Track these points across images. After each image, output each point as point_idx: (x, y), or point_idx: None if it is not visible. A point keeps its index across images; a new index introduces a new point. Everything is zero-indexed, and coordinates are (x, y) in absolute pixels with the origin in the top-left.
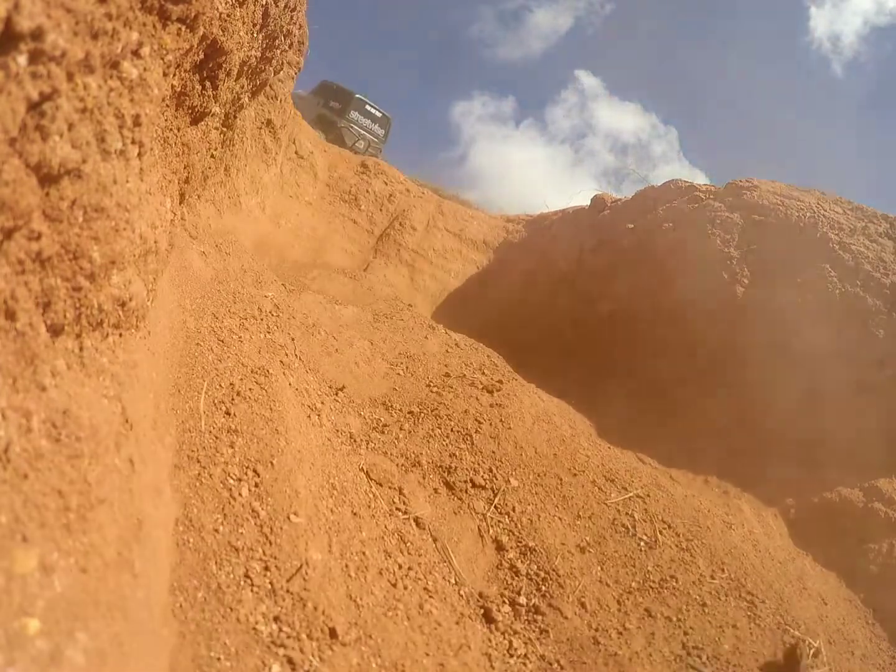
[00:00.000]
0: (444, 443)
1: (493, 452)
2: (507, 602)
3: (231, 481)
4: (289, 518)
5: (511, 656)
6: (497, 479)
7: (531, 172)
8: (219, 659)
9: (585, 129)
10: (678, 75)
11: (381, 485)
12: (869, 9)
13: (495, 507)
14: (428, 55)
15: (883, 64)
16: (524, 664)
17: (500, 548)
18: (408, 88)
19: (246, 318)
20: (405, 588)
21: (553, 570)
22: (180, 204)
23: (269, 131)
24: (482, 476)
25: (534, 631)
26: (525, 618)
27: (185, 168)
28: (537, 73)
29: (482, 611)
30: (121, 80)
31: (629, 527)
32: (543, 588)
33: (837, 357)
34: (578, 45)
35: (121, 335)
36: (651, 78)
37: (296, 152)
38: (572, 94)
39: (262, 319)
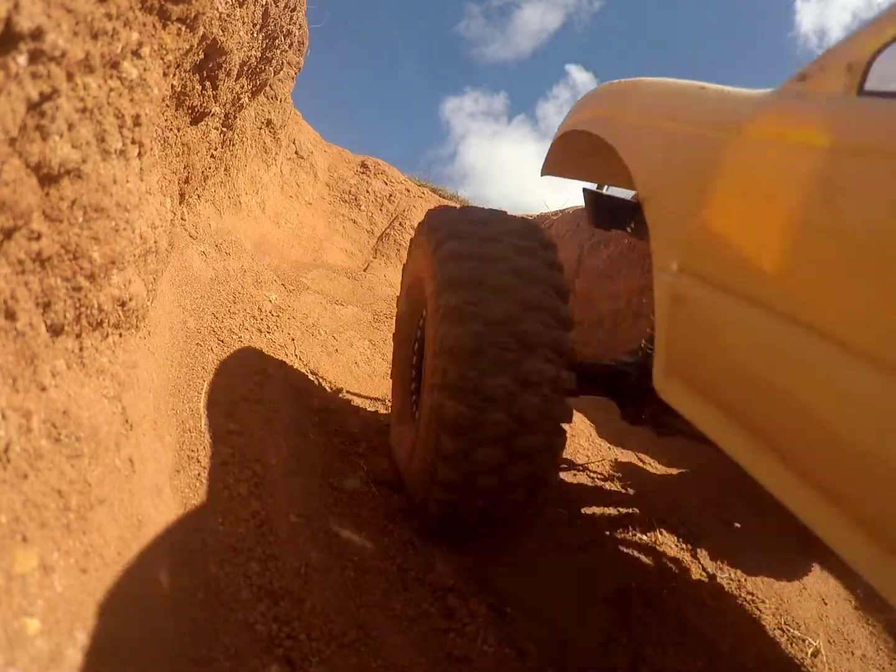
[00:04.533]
0: None
1: None
2: None
3: (230, 481)
4: (288, 518)
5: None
6: None
7: (523, 169)
8: (218, 659)
9: None
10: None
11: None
12: (858, 3)
13: None
14: (418, 51)
15: None
16: None
17: None
18: (399, 84)
19: (246, 318)
20: (405, 589)
21: None
22: (180, 204)
23: (269, 131)
24: None
25: None
26: None
27: (185, 168)
28: (529, 68)
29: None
30: (121, 80)
31: (629, 527)
32: None
33: None
34: (569, 41)
35: (121, 335)
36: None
37: (296, 152)
38: (564, 90)
39: (262, 319)
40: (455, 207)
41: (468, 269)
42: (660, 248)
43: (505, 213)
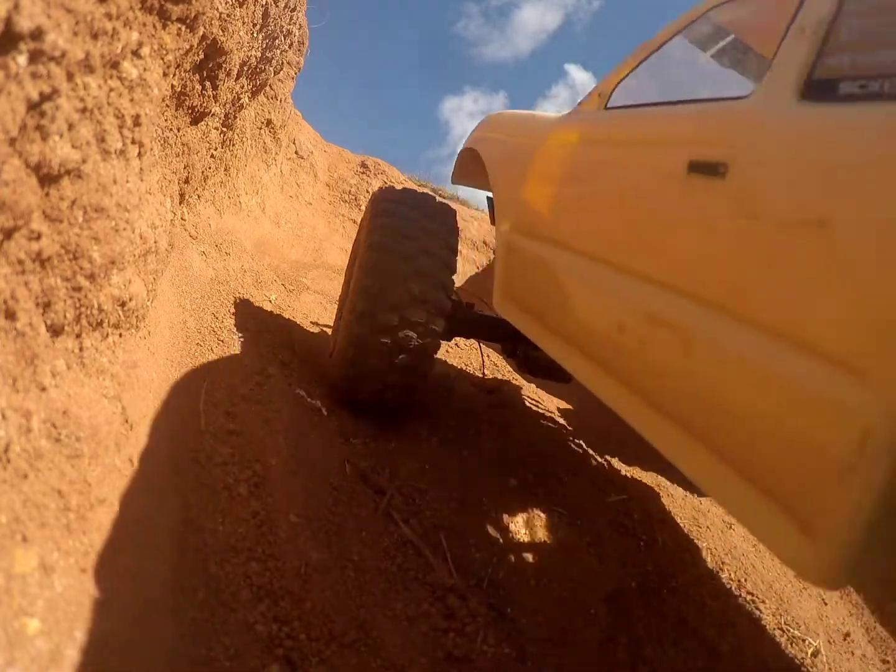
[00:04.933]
0: None
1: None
2: None
3: (230, 481)
4: (288, 518)
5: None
6: None
7: None
8: (218, 659)
9: None
10: None
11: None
12: None
13: None
14: (417, 51)
15: None
16: None
17: None
18: (398, 84)
19: (246, 319)
20: (405, 589)
21: None
22: (180, 204)
23: (269, 131)
24: None
25: None
26: None
27: (185, 168)
28: (528, 68)
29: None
30: (121, 80)
31: (629, 527)
32: None
33: None
34: (568, 41)
35: (121, 335)
36: None
37: (296, 152)
38: (563, 90)
39: (262, 320)
40: (397, 190)
41: (388, 239)
42: (500, 217)
43: (433, 199)
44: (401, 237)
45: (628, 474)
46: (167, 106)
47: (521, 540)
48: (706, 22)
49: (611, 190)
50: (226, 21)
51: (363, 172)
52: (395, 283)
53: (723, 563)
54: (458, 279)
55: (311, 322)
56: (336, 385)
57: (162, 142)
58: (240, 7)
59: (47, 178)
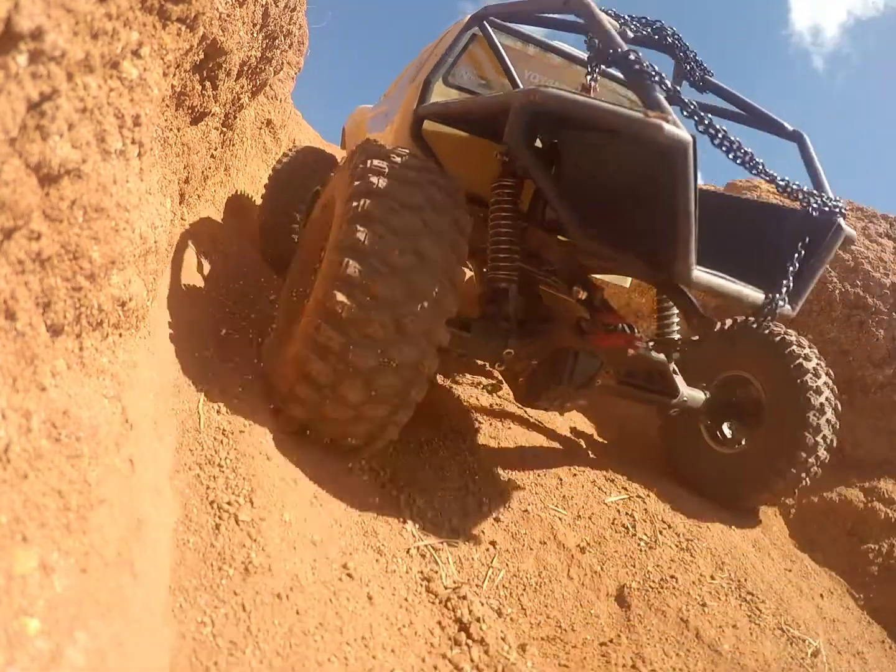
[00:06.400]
0: None
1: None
2: None
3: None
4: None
5: None
6: None
7: None
8: (218, 661)
9: None
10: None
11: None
12: (854, 2)
13: None
14: (415, 52)
15: (868, 58)
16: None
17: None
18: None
19: (246, 318)
20: (396, 574)
21: None
22: (180, 204)
23: (269, 131)
24: None
25: None
26: None
27: (185, 168)
28: None
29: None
30: (121, 80)
31: (629, 527)
32: None
33: (837, 356)
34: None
35: (121, 335)
36: None
37: None
38: None
39: (262, 319)
40: (300, 148)
41: (287, 169)
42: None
43: (321, 151)
44: (295, 170)
45: (628, 474)
46: (167, 106)
47: (522, 541)
48: (417, 61)
49: (371, 129)
50: (226, 21)
51: None
52: (289, 191)
53: (723, 562)
54: None
55: None
56: (265, 254)
57: (162, 142)
58: (240, 7)
59: (47, 178)
